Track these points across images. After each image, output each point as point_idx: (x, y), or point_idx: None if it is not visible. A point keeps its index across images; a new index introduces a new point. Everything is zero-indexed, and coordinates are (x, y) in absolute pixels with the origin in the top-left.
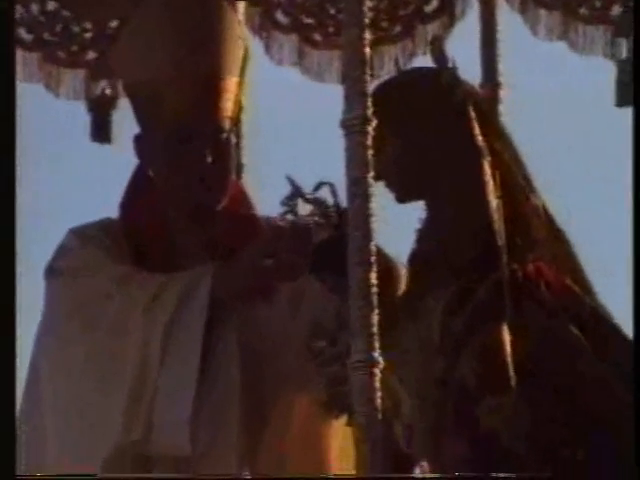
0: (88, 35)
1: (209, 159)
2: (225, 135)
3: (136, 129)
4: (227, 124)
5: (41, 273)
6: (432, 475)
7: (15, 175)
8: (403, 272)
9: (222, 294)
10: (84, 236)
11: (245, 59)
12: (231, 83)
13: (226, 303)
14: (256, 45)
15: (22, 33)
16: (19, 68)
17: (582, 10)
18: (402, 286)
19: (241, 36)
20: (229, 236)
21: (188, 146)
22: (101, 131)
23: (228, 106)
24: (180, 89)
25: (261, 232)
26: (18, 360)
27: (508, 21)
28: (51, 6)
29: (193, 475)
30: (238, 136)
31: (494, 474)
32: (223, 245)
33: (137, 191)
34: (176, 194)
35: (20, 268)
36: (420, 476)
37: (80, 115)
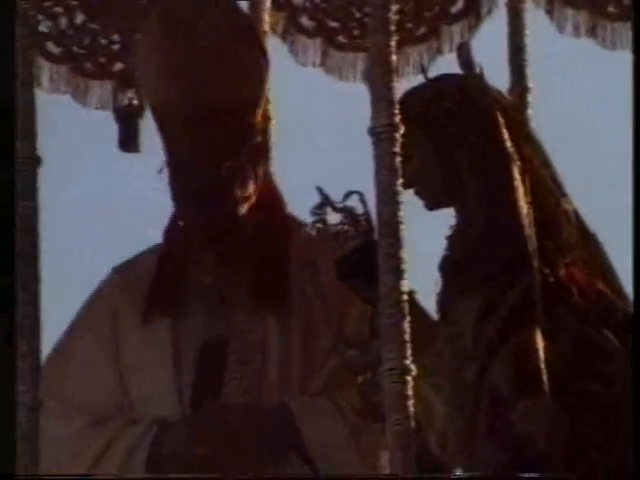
0: (115, 47)
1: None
2: (252, 142)
3: None
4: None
5: (63, 280)
6: (440, 475)
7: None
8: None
9: None
10: (99, 288)
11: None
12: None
13: None
14: (281, 48)
15: (50, 46)
16: (47, 80)
17: (610, 8)
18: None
19: (263, 51)
20: (257, 242)
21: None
22: (129, 140)
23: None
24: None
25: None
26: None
27: (535, 22)
28: (79, 19)
29: (196, 475)
30: (266, 145)
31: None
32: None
33: (173, 217)
34: (183, 210)
35: (44, 276)
36: (427, 476)
37: (109, 125)
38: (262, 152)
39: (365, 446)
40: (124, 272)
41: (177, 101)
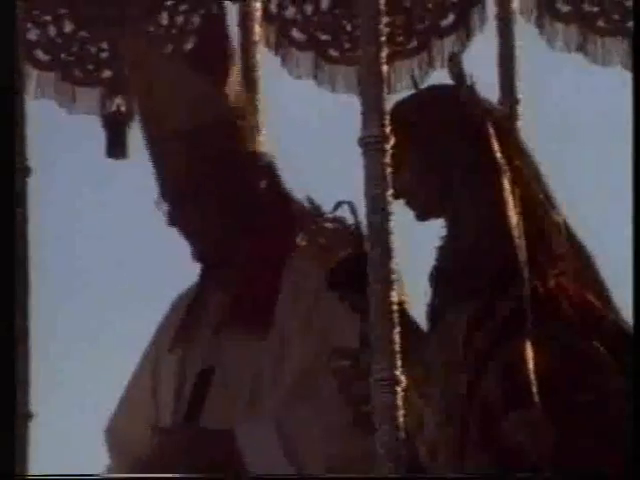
0: (104, 55)
1: None
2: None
3: None
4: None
5: (52, 288)
6: (439, 476)
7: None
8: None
9: None
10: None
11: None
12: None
13: None
14: (273, 60)
15: (39, 54)
16: (34, 87)
17: (599, 23)
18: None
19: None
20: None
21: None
22: (116, 147)
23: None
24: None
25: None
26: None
27: (525, 36)
28: (68, 28)
29: (197, 475)
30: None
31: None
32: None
33: None
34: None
35: (34, 280)
36: (425, 476)
37: (96, 132)
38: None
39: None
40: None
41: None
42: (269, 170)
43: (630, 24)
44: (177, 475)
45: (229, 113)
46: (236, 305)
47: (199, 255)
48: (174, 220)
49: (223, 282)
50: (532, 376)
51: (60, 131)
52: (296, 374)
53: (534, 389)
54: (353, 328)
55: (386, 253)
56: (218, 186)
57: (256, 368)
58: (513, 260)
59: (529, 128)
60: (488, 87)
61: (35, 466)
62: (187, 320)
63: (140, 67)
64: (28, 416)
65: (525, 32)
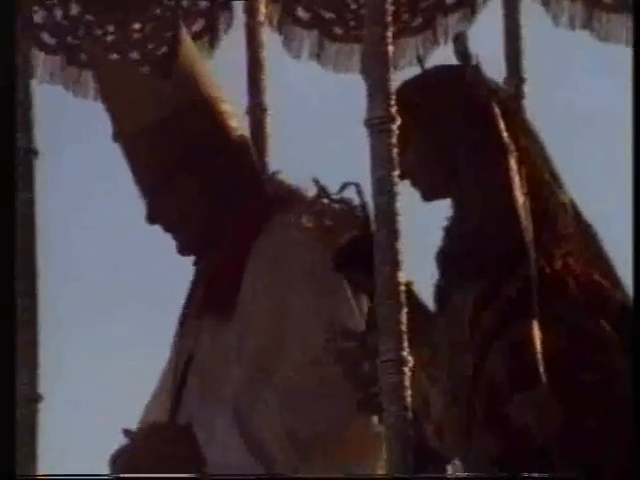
0: (110, 38)
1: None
2: None
3: None
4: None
5: (60, 274)
6: (440, 475)
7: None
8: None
9: None
10: None
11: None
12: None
13: None
14: (275, 41)
15: (45, 37)
16: (41, 70)
17: None
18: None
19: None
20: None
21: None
22: None
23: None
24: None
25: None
26: None
27: (531, 13)
28: (74, 11)
29: (195, 475)
30: (262, 138)
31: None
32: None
33: None
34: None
35: (41, 269)
36: (427, 476)
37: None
38: None
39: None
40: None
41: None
42: (242, 153)
43: None
44: (178, 475)
45: (188, 102)
46: (208, 291)
47: (182, 247)
48: (153, 216)
49: (203, 270)
50: (539, 356)
51: (67, 114)
52: (252, 357)
53: (541, 369)
54: (320, 312)
55: (393, 234)
56: (190, 174)
57: (224, 354)
58: (520, 240)
59: (535, 107)
60: (494, 66)
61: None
62: (182, 313)
63: (98, 72)
64: (35, 399)
65: (530, 10)
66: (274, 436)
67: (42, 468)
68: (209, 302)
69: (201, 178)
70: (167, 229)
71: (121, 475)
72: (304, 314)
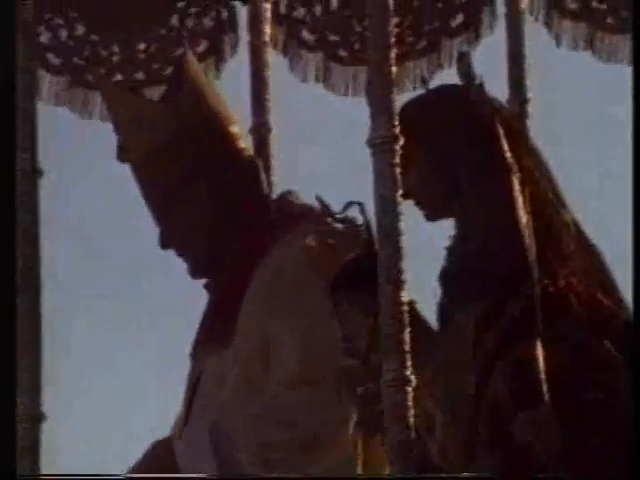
0: (115, 58)
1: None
2: None
3: None
4: None
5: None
6: (440, 475)
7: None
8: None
9: None
10: None
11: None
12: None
13: None
14: (281, 63)
15: (51, 58)
16: (46, 91)
17: (608, 20)
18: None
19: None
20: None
21: None
22: None
23: None
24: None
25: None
26: None
27: (534, 34)
28: (80, 31)
29: (195, 475)
30: (267, 155)
31: None
32: None
33: None
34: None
35: (45, 281)
36: (427, 476)
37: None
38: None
39: None
40: None
41: None
42: (250, 172)
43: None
44: (179, 475)
45: (196, 123)
46: (212, 315)
47: (193, 270)
48: (166, 240)
49: (213, 292)
50: (542, 375)
51: (72, 134)
52: (236, 381)
53: (544, 388)
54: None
55: (396, 253)
56: (198, 192)
57: (221, 379)
58: (523, 260)
59: (538, 127)
60: (497, 86)
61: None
62: (196, 335)
63: (104, 97)
64: (39, 418)
65: (533, 31)
66: (246, 457)
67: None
68: (213, 326)
69: (209, 197)
70: (179, 252)
71: (123, 475)
72: (283, 339)
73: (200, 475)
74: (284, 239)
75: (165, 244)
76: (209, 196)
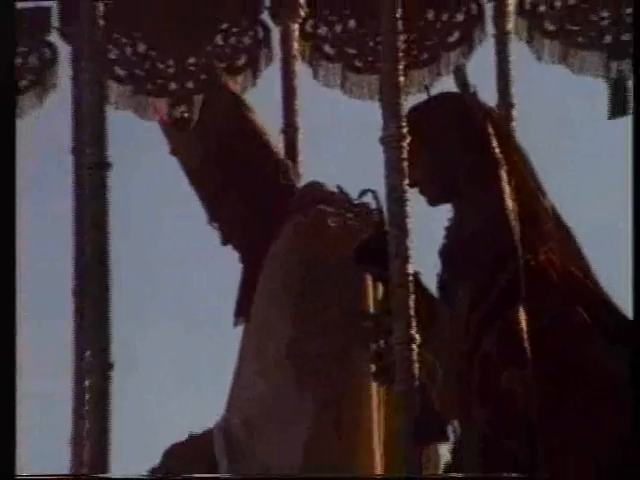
0: (171, 70)
1: None
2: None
3: None
4: None
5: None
6: (441, 475)
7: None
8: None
9: None
10: None
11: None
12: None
13: None
14: (307, 72)
15: (117, 70)
16: (114, 99)
17: (580, 39)
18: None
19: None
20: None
21: None
22: None
23: None
24: None
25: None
26: None
27: (518, 50)
28: (141, 48)
29: (201, 475)
30: (296, 151)
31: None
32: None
33: None
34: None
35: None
36: (427, 476)
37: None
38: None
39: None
40: None
41: None
42: (281, 168)
43: (606, 39)
44: (181, 475)
45: (222, 145)
46: (240, 295)
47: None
48: (225, 237)
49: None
50: (526, 339)
51: (137, 135)
52: (238, 362)
53: (528, 351)
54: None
55: (403, 233)
56: (242, 188)
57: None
58: (510, 240)
59: (523, 128)
60: (488, 93)
61: None
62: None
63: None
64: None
65: (518, 48)
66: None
67: None
68: (240, 306)
69: (247, 196)
70: (236, 247)
71: (127, 476)
72: (266, 323)
73: (206, 475)
74: (290, 221)
75: (225, 242)
76: (247, 196)
